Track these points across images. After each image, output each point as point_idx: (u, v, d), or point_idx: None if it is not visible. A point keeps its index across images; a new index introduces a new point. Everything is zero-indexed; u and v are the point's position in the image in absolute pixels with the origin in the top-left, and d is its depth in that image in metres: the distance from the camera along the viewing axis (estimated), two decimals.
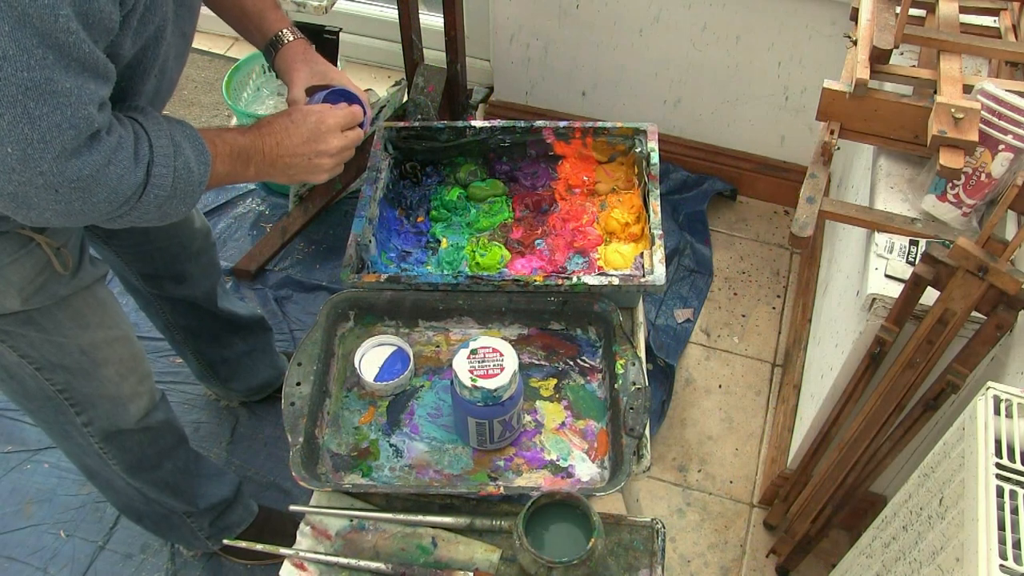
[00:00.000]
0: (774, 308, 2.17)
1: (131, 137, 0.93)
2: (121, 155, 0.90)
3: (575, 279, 1.26)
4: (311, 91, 1.21)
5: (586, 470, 1.16)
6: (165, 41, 1.01)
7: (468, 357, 1.10)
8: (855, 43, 1.32)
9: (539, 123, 1.46)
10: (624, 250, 1.35)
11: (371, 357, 1.24)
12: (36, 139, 0.81)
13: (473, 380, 1.08)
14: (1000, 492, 0.86)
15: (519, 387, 1.13)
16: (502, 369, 1.09)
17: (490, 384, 1.08)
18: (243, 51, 2.72)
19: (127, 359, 1.30)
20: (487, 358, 1.10)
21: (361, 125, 1.23)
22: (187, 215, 1.01)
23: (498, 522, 1.09)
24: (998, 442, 0.90)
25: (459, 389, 1.10)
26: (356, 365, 1.23)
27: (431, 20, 2.39)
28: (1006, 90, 1.19)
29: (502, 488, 1.09)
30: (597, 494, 1.07)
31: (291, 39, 1.23)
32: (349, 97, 1.22)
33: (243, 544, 1.15)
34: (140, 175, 0.92)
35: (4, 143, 0.80)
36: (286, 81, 1.23)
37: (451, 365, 1.13)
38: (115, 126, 0.91)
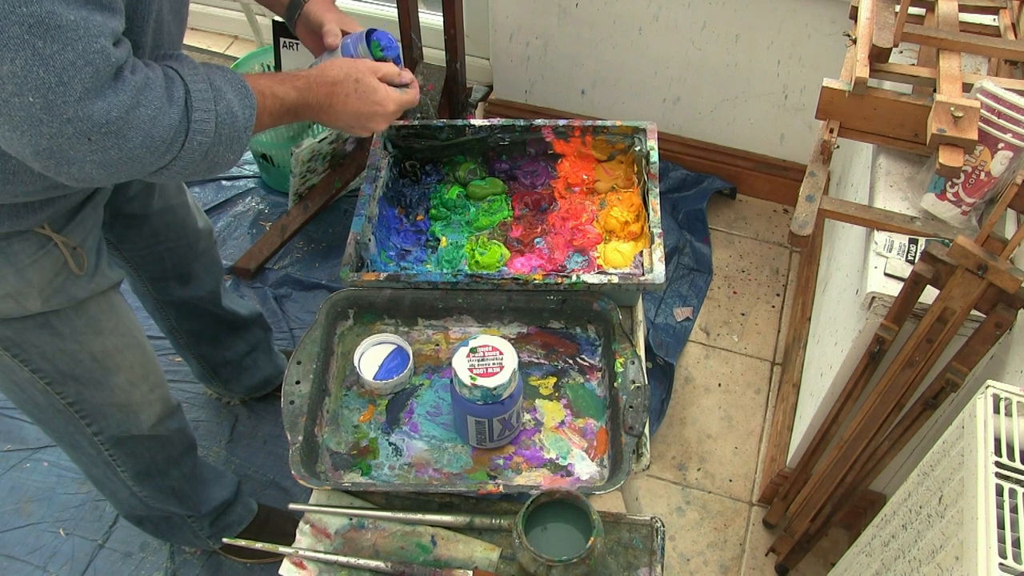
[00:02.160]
0: (773, 307, 2.17)
1: (161, 78, 0.89)
2: (150, 95, 0.86)
3: (574, 277, 1.26)
4: (345, 35, 1.22)
5: (585, 468, 1.16)
6: (160, 25, 0.99)
7: (468, 355, 1.10)
8: (854, 41, 1.32)
9: (538, 122, 1.46)
10: (623, 248, 1.35)
11: (370, 355, 1.24)
12: (54, 82, 0.77)
13: (472, 379, 1.08)
14: (999, 491, 0.86)
15: (518, 386, 1.13)
16: (501, 368, 1.09)
17: (489, 383, 1.08)
18: (242, 50, 2.72)
19: (137, 366, 1.30)
20: (487, 356, 1.10)
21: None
22: (234, 164, 0.98)
23: (497, 520, 1.09)
24: (997, 440, 0.90)
25: (458, 388, 1.10)
26: (355, 363, 1.23)
27: (430, 19, 2.39)
28: (1005, 88, 1.19)
29: (501, 487, 1.09)
30: (596, 492, 1.07)
31: None
32: (387, 37, 1.21)
33: (243, 543, 1.15)
34: (175, 116, 0.88)
35: (24, 91, 0.77)
36: (318, 20, 1.21)
37: (451, 363, 1.13)
38: (140, 66, 0.87)
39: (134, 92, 0.84)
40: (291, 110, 1.05)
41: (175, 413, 1.42)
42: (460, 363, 1.10)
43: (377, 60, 1.19)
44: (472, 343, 1.11)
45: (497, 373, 1.09)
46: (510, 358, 1.10)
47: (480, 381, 1.08)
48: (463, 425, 1.15)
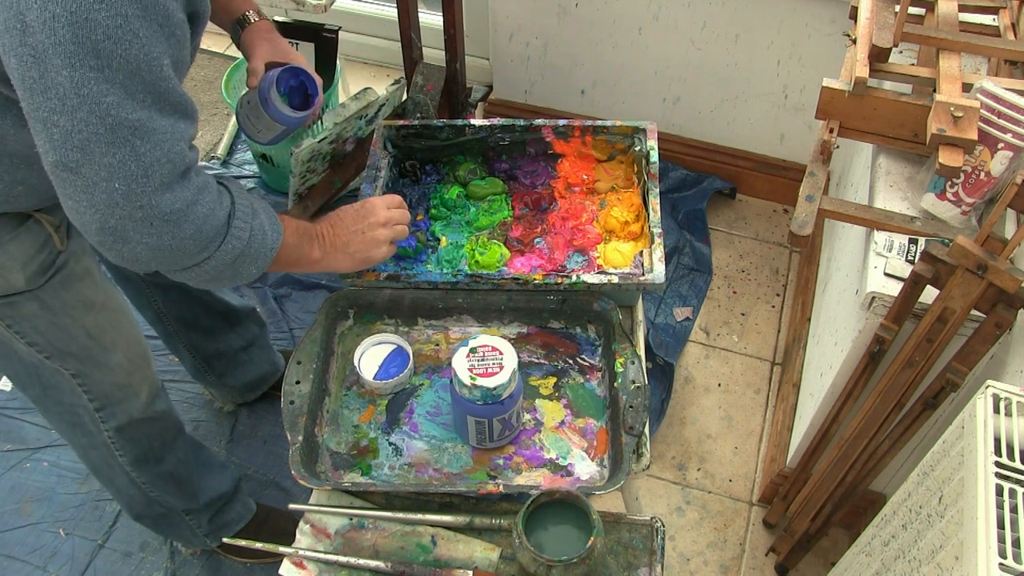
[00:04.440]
0: (773, 307, 2.17)
1: (215, 184, 1.02)
2: (207, 196, 0.98)
3: (574, 277, 1.26)
4: (269, 66, 1.26)
5: (585, 468, 1.16)
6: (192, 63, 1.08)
7: (467, 356, 1.10)
8: (854, 41, 1.32)
9: (538, 121, 1.46)
10: (623, 248, 1.35)
11: (370, 355, 1.24)
12: (140, 174, 0.90)
13: (472, 379, 1.08)
14: (999, 491, 0.86)
15: (518, 386, 1.13)
16: (501, 368, 1.09)
17: (489, 383, 1.08)
18: None
19: (133, 344, 1.32)
20: (486, 356, 1.10)
21: (311, 105, 1.28)
22: (251, 279, 1.10)
23: (497, 520, 1.09)
24: (997, 440, 0.90)
25: (458, 388, 1.10)
26: (356, 363, 1.23)
27: (430, 18, 2.39)
28: (1005, 88, 1.19)
29: (501, 487, 1.09)
30: (596, 492, 1.07)
31: (256, 20, 1.29)
32: (304, 75, 1.27)
33: (243, 542, 1.15)
34: (222, 217, 1.00)
35: (114, 178, 0.89)
36: (248, 55, 1.28)
37: (451, 363, 1.13)
38: (201, 170, 1.00)
39: (196, 190, 0.97)
40: (307, 231, 1.16)
41: (160, 393, 1.43)
42: (460, 363, 1.10)
43: (294, 106, 1.27)
44: (472, 343, 1.11)
45: (497, 373, 1.09)
46: (510, 358, 1.10)
47: (480, 381, 1.08)
48: (463, 425, 1.15)
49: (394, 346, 1.25)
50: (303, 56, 1.31)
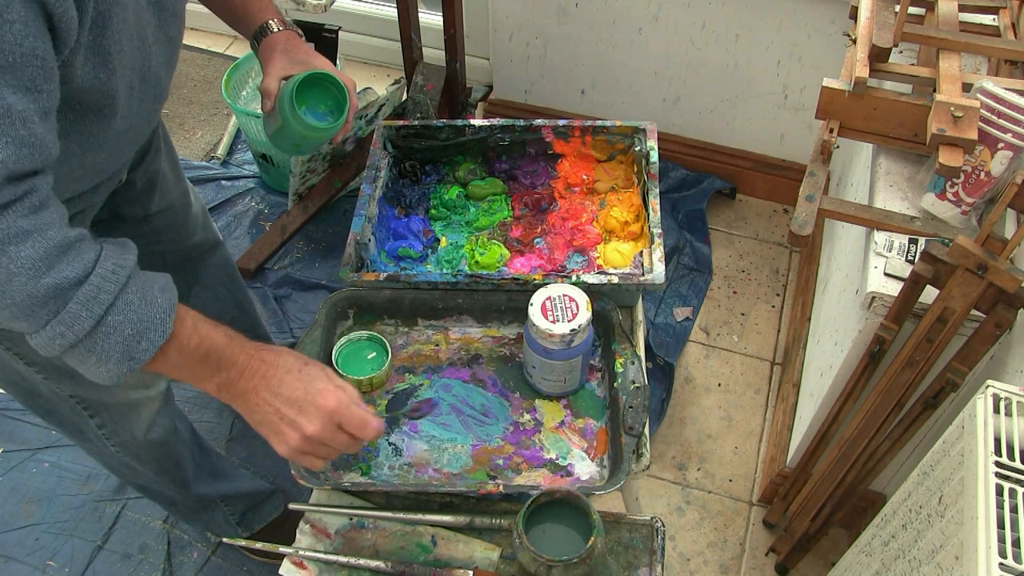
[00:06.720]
0: (773, 306, 2.17)
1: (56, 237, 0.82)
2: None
3: (574, 277, 1.26)
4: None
5: (585, 468, 1.16)
6: (147, 52, 0.97)
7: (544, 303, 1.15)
8: (854, 41, 1.32)
9: (538, 121, 1.46)
10: (623, 248, 1.35)
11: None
12: None
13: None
14: (1000, 490, 0.86)
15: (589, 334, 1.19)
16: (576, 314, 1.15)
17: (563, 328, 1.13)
18: (242, 49, 2.71)
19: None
20: (563, 303, 1.16)
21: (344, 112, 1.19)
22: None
23: (498, 520, 1.09)
24: (997, 440, 0.91)
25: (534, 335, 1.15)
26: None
27: (430, 18, 2.39)
28: (1005, 88, 1.19)
29: (501, 486, 1.09)
30: (597, 492, 1.07)
31: (276, 30, 1.19)
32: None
33: (242, 542, 1.15)
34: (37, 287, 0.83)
35: None
36: (263, 71, 1.19)
37: (528, 308, 1.16)
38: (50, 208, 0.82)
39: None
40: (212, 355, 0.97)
41: (165, 409, 1.41)
42: (536, 311, 1.14)
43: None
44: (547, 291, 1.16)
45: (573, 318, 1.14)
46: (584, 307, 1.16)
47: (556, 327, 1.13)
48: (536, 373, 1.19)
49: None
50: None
